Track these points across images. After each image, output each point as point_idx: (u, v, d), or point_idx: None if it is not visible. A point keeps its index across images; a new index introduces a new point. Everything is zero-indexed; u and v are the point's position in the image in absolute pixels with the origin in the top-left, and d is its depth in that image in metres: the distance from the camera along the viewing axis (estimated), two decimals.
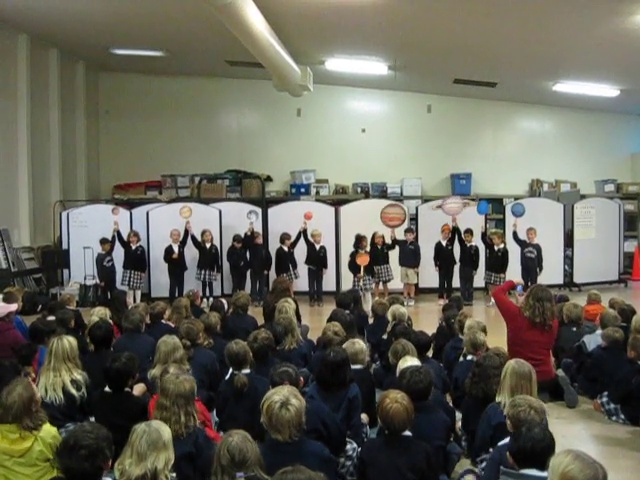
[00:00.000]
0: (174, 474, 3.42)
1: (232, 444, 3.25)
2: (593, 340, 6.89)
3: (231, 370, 5.48)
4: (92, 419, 4.76)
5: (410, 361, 5.12)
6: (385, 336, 7.12)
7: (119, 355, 4.94)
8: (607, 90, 14.55)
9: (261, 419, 3.76)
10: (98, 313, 7.24)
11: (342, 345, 5.84)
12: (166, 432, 3.48)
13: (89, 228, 13.02)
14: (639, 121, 16.88)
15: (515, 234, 12.26)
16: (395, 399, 3.93)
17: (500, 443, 3.91)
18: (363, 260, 12.05)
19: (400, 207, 13.33)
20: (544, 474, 3.17)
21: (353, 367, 5.36)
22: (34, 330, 6.65)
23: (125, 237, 12.48)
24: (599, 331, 7.00)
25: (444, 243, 12.54)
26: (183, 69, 16.12)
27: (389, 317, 7.35)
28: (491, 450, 4.13)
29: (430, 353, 6.78)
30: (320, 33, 12.12)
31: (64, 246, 13.36)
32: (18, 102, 13.41)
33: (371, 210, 13.14)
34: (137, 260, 12.55)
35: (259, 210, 13.44)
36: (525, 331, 6.55)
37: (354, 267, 12.13)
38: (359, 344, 5.60)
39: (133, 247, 12.50)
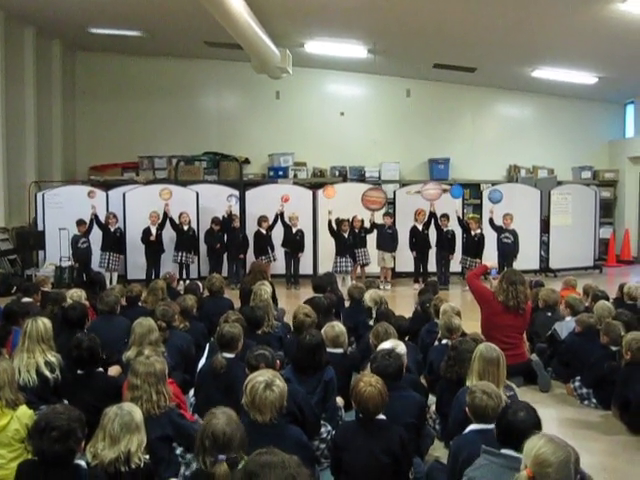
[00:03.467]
0: (147, 456, 3.40)
1: (217, 427, 3.21)
2: (565, 327, 6.94)
3: (207, 351, 5.47)
4: (66, 402, 4.72)
5: (390, 344, 5.11)
6: (371, 322, 7.07)
7: (80, 341, 4.85)
8: (585, 77, 14.64)
9: (242, 400, 3.74)
10: (73, 295, 7.17)
11: (314, 326, 5.83)
12: (138, 414, 3.46)
13: (65, 209, 12.87)
14: (616, 108, 17.03)
15: (491, 220, 12.30)
16: (369, 382, 3.91)
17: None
18: (329, 194, 12.72)
19: (382, 191, 13.34)
20: (521, 456, 3.19)
21: (333, 351, 5.35)
22: (8, 312, 6.57)
23: (103, 219, 12.40)
24: (569, 318, 7.07)
25: (420, 227, 12.56)
26: (161, 50, 15.94)
27: (370, 302, 7.29)
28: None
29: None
30: (300, 15, 12.03)
31: (39, 227, 13.21)
32: None
33: (350, 193, 13.11)
34: (116, 242, 12.52)
35: (237, 193, 13.39)
36: (499, 315, 6.56)
37: (332, 229, 12.27)
38: (339, 327, 5.55)
39: (112, 229, 12.46)
